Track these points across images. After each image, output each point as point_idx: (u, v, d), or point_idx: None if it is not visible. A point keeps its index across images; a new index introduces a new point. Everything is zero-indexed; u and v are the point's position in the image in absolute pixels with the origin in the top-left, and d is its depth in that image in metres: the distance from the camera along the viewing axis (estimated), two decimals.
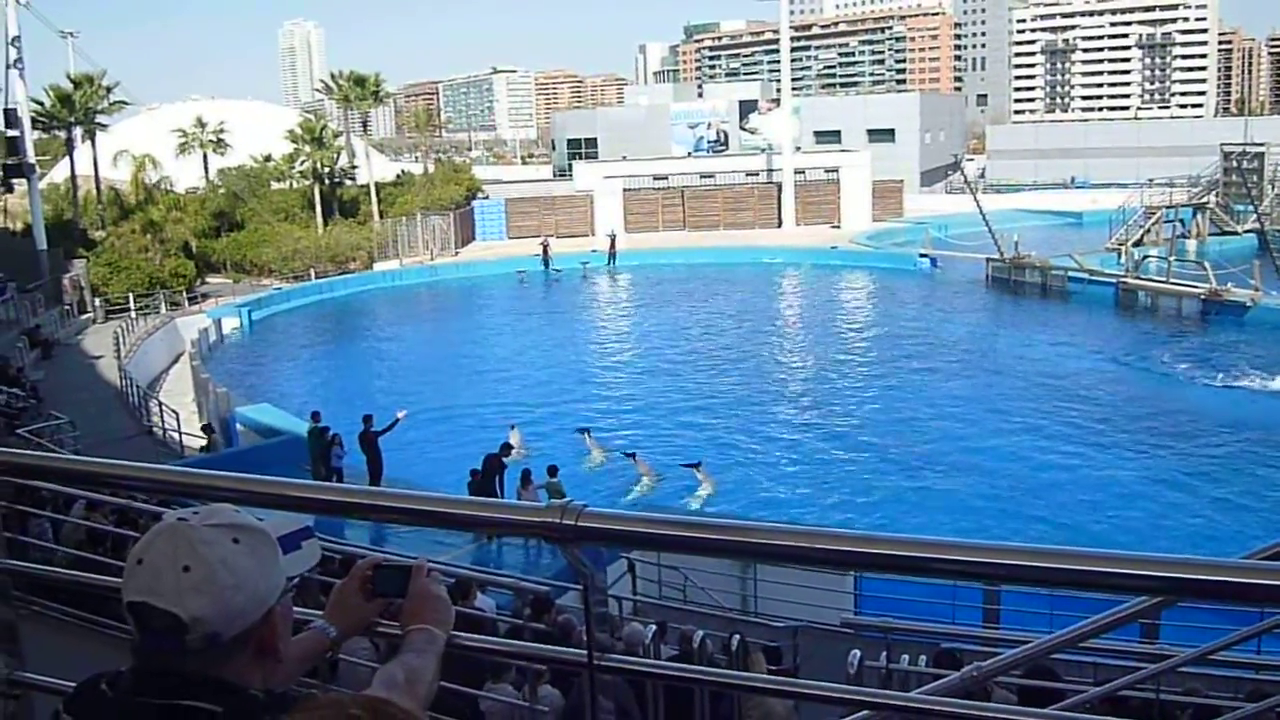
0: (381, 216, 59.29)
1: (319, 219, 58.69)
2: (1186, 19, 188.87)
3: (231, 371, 34.71)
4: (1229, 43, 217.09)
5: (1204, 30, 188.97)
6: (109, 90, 55.49)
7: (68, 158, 56.09)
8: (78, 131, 54.94)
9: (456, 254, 58.17)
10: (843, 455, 24.60)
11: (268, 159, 63.43)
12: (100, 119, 55.97)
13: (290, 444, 22.27)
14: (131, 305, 42.62)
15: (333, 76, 65.59)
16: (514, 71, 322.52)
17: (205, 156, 62.85)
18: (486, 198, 67.30)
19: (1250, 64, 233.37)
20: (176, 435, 24.94)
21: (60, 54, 56.10)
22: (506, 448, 20.30)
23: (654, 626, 8.82)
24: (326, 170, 60.43)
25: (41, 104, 52.01)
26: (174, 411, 25.68)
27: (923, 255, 50.91)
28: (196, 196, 59.59)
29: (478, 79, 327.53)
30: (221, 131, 63.16)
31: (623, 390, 31.56)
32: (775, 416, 28.12)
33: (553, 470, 19.03)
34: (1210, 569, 1.71)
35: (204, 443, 23.48)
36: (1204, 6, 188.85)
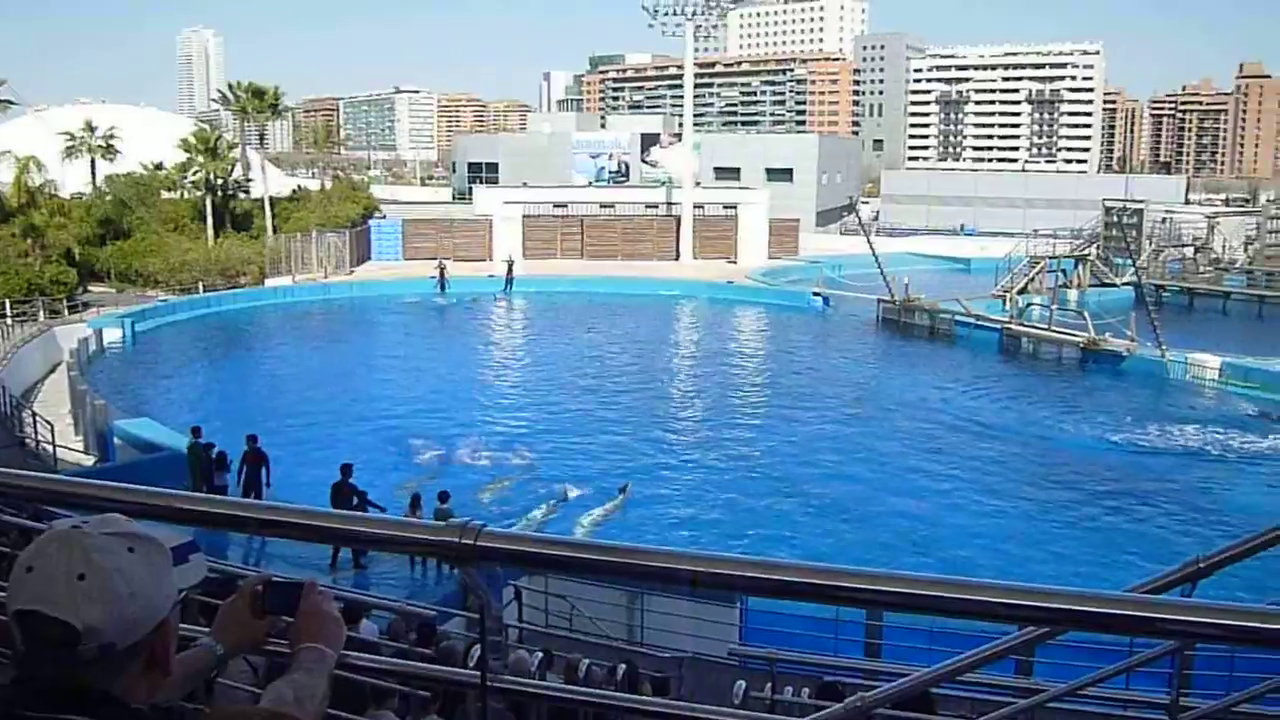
0: (275, 231, 58.22)
1: (210, 231, 57.39)
2: (1074, 78, 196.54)
3: (111, 384, 33.62)
4: (1113, 103, 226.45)
5: (1090, 90, 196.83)
6: None
7: None
8: None
9: (351, 272, 57.29)
10: (729, 485, 24.80)
11: (159, 167, 61.86)
12: None
13: (170, 459, 21.68)
14: (8, 312, 41.13)
15: (230, 87, 64.54)
16: (417, 92, 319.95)
17: (94, 162, 60.88)
18: (384, 217, 66.59)
19: (1133, 124, 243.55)
20: (50, 448, 24.13)
21: None
22: (347, 468, 19.41)
23: (540, 654, 8.78)
24: (220, 182, 59.22)
25: None
26: (49, 423, 24.88)
27: (816, 294, 51.73)
28: (82, 202, 57.67)
29: (379, 98, 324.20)
30: (112, 137, 61.25)
31: (515, 415, 31.39)
32: (665, 446, 28.25)
33: (444, 496, 18.69)
34: (1089, 600, 1.78)
35: None
36: (1090, 68, 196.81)
